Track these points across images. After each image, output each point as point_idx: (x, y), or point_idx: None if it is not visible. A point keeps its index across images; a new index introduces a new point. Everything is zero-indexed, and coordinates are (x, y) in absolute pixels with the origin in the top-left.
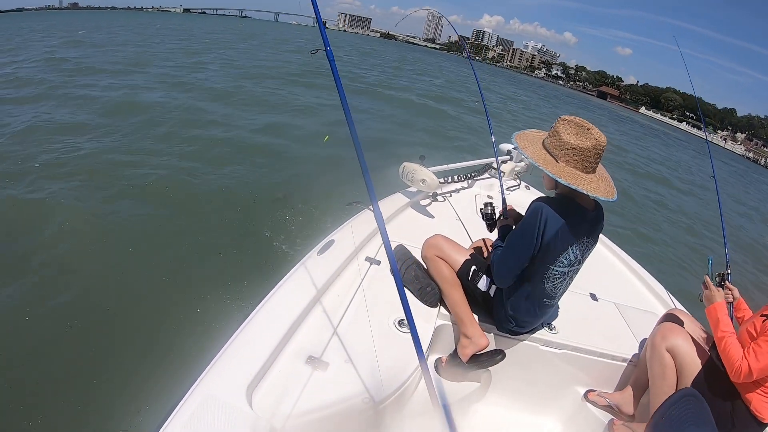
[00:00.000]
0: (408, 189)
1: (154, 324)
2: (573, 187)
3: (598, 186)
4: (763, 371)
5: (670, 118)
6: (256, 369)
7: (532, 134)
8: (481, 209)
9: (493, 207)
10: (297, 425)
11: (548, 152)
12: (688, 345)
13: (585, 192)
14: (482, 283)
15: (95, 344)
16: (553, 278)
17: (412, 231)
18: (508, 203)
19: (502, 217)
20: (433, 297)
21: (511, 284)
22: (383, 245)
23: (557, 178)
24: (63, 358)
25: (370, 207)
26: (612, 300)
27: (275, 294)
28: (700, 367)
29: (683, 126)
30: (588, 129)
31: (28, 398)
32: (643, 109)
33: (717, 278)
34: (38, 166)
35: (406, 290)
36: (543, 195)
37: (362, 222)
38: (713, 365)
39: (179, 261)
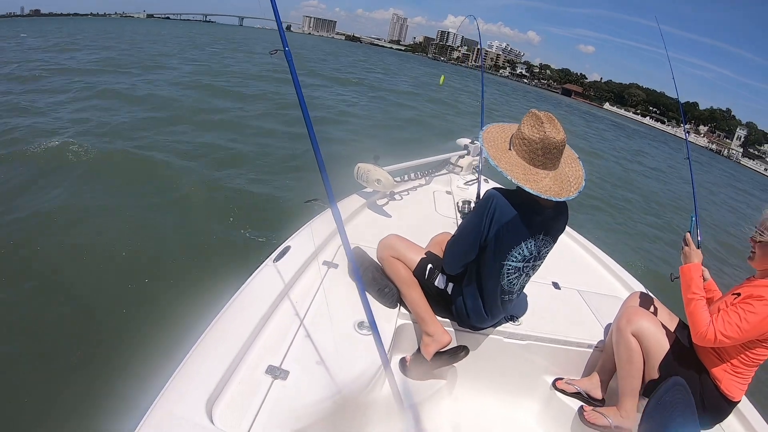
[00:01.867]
0: (364, 190)
1: (105, 341)
2: (500, 170)
3: (539, 181)
4: (727, 339)
5: (633, 113)
6: (214, 383)
7: (511, 126)
8: (459, 209)
9: (470, 206)
10: None
11: (509, 141)
12: (654, 327)
13: (516, 182)
14: (439, 281)
15: (44, 368)
16: (508, 273)
17: (369, 232)
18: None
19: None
20: (392, 297)
21: (468, 281)
22: (342, 247)
23: (491, 161)
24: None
25: (328, 205)
26: (575, 287)
27: (232, 304)
28: (668, 348)
29: (647, 120)
30: (542, 123)
31: None
32: (607, 105)
33: None
34: None
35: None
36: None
37: (318, 225)
38: (681, 346)
39: (130, 274)
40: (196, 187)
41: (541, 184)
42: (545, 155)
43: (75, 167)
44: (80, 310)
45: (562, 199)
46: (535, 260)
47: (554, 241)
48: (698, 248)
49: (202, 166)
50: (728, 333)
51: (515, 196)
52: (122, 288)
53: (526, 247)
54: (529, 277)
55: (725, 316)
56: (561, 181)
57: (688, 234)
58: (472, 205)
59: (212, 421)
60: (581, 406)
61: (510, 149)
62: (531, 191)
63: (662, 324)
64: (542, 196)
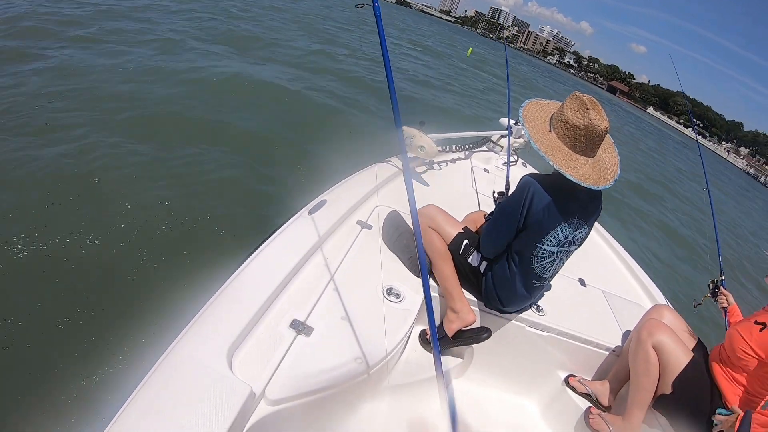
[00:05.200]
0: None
1: (128, 281)
2: (542, 154)
3: (579, 168)
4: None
5: (677, 122)
6: (237, 331)
7: (550, 104)
8: (495, 200)
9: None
10: (278, 390)
11: (549, 121)
12: (674, 343)
13: (557, 168)
14: (473, 259)
15: (61, 302)
16: (542, 257)
17: (405, 198)
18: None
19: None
20: None
21: (501, 261)
22: (377, 208)
23: (532, 142)
24: (24, 318)
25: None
26: (600, 287)
27: (261, 253)
28: (684, 365)
29: (689, 132)
30: (588, 109)
31: None
32: (650, 110)
33: (711, 285)
34: None
35: (396, 258)
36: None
37: (356, 183)
38: (697, 366)
39: (160, 213)
40: (238, 133)
41: (581, 171)
42: (587, 142)
43: None
44: (102, 249)
45: (600, 188)
46: (569, 245)
47: (589, 226)
48: (719, 288)
49: (249, 111)
50: None
51: (551, 181)
52: (149, 230)
53: (561, 232)
54: (563, 263)
55: None
56: (599, 169)
57: None
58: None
59: (231, 369)
60: (589, 408)
61: (551, 131)
62: (571, 178)
63: (681, 340)
64: (582, 184)
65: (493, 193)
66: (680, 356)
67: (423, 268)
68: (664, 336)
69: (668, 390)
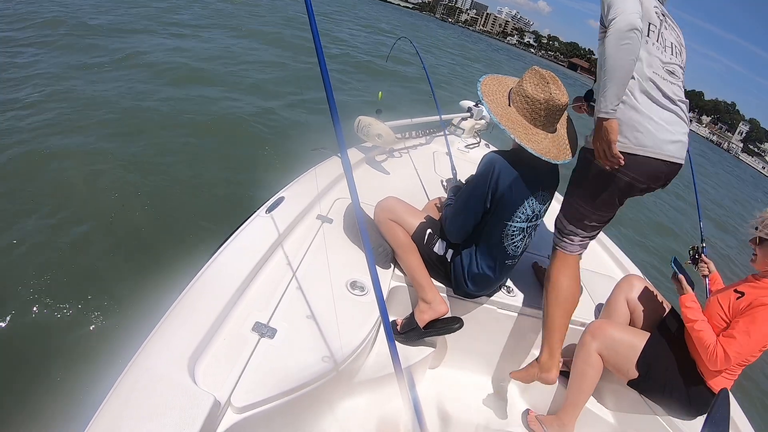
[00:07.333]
0: (363, 144)
1: (84, 295)
2: (502, 128)
3: (540, 142)
4: (739, 358)
5: None
6: (198, 339)
7: (507, 80)
8: (444, 187)
9: (454, 183)
10: (244, 397)
11: (508, 96)
12: (621, 333)
13: (518, 141)
14: (438, 247)
15: (20, 325)
16: (512, 235)
17: (366, 188)
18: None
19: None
20: (386, 258)
21: (468, 246)
22: (337, 201)
23: (493, 116)
24: None
25: (338, 154)
26: None
27: (219, 256)
28: (641, 348)
29: None
30: (548, 83)
31: None
32: None
33: (691, 252)
34: None
35: (359, 251)
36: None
37: (314, 178)
38: (668, 334)
39: (115, 222)
40: (188, 132)
41: (542, 146)
42: (547, 116)
43: None
44: (55, 256)
45: (560, 162)
46: (536, 219)
47: (551, 197)
48: (700, 256)
49: (197, 110)
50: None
51: (514, 157)
52: (101, 235)
53: (529, 206)
54: (531, 238)
55: (736, 339)
56: (559, 144)
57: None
58: (459, 180)
59: (194, 380)
60: (527, 409)
61: (510, 106)
62: (532, 152)
63: (630, 329)
64: (543, 158)
65: (441, 181)
66: (633, 342)
67: (371, 264)
68: (606, 336)
69: (634, 375)
